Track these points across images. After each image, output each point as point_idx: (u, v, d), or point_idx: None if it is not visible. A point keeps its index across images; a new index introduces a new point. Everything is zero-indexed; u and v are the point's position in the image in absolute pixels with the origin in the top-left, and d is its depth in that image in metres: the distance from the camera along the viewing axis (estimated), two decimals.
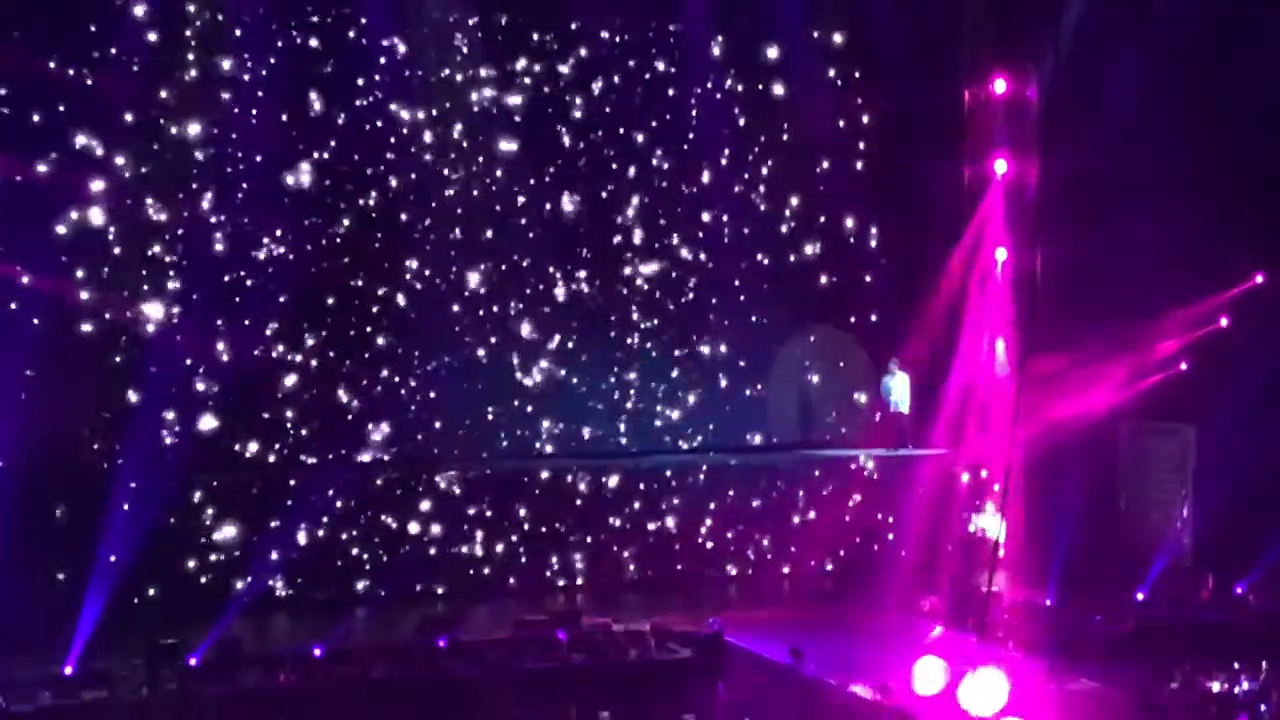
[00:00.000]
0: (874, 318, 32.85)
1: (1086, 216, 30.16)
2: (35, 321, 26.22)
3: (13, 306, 26.06)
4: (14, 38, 25.97)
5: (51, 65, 26.34)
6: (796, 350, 32.35)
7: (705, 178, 31.70)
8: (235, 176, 27.94)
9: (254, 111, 28.05)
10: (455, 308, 29.77)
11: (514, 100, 30.13)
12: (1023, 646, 24.15)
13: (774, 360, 32.16)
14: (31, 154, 26.00)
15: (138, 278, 27.26)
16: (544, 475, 29.60)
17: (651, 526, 29.92)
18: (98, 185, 26.59)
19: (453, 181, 29.79)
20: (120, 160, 26.84)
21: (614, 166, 31.06)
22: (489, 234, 30.06)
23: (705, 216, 31.81)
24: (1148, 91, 29.56)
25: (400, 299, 29.40)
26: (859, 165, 32.74)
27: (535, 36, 30.33)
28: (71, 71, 26.39)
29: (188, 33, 27.49)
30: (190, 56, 27.59)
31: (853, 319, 32.87)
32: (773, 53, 31.95)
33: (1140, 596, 26.91)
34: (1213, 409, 30.13)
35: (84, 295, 26.70)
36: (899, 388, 30.96)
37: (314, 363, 28.68)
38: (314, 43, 28.54)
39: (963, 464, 31.44)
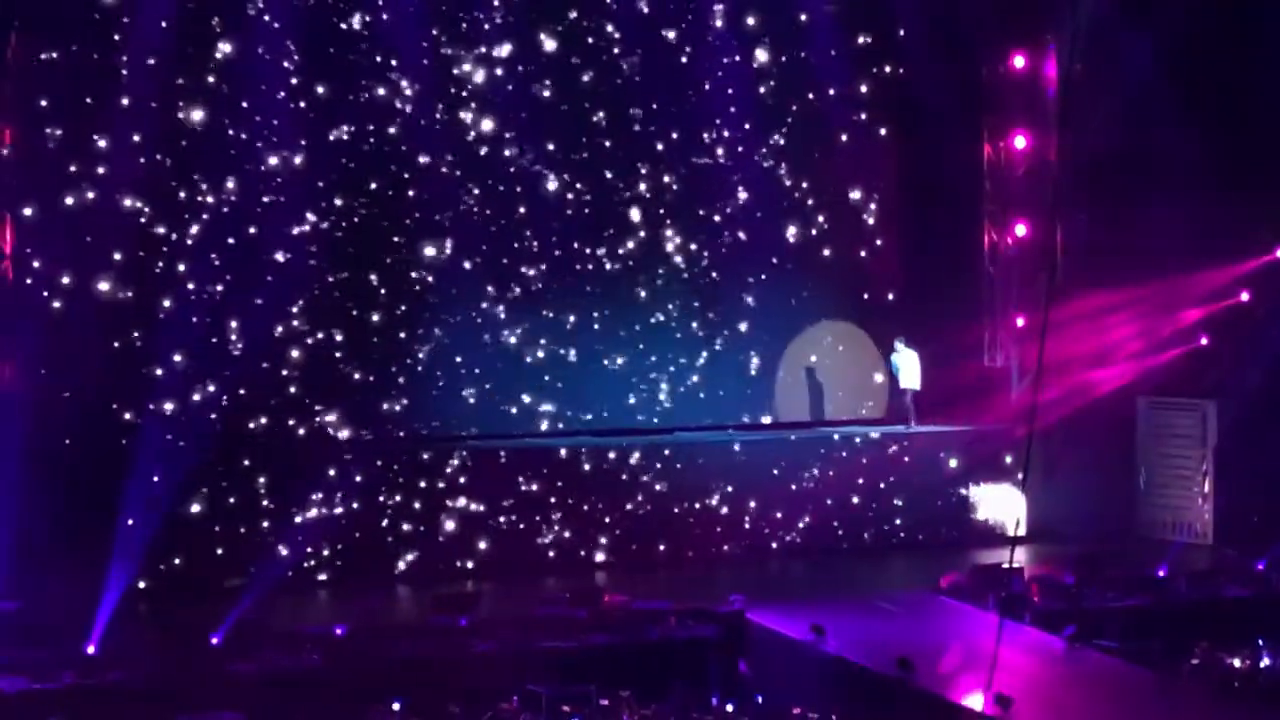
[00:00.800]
0: (890, 296, 32.88)
1: (1105, 192, 30.17)
2: (56, 304, 26.58)
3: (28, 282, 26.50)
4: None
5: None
6: (807, 328, 32.51)
7: (721, 152, 31.78)
8: (249, 158, 28.30)
9: (275, 92, 28.33)
10: (474, 285, 29.95)
11: (531, 76, 30.31)
12: (1042, 623, 24.10)
13: (789, 337, 32.28)
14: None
15: (162, 258, 27.65)
16: (562, 453, 29.59)
17: (672, 504, 29.82)
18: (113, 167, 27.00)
19: (471, 161, 29.93)
20: (137, 139, 27.22)
21: (631, 141, 31.23)
22: (510, 211, 30.32)
23: (721, 191, 31.97)
24: (1166, 66, 29.53)
25: (421, 275, 29.79)
26: (876, 142, 32.72)
27: (552, 11, 30.48)
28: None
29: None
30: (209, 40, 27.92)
31: (865, 295, 33.01)
32: (792, 27, 32.01)
33: (1160, 573, 26.79)
34: (1233, 384, 30.13)
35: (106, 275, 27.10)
36: (907, 365, 31.07)
37: (338, 337, 29.01)
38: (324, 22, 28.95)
39: (977, 440, 31.46)
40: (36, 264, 26.68)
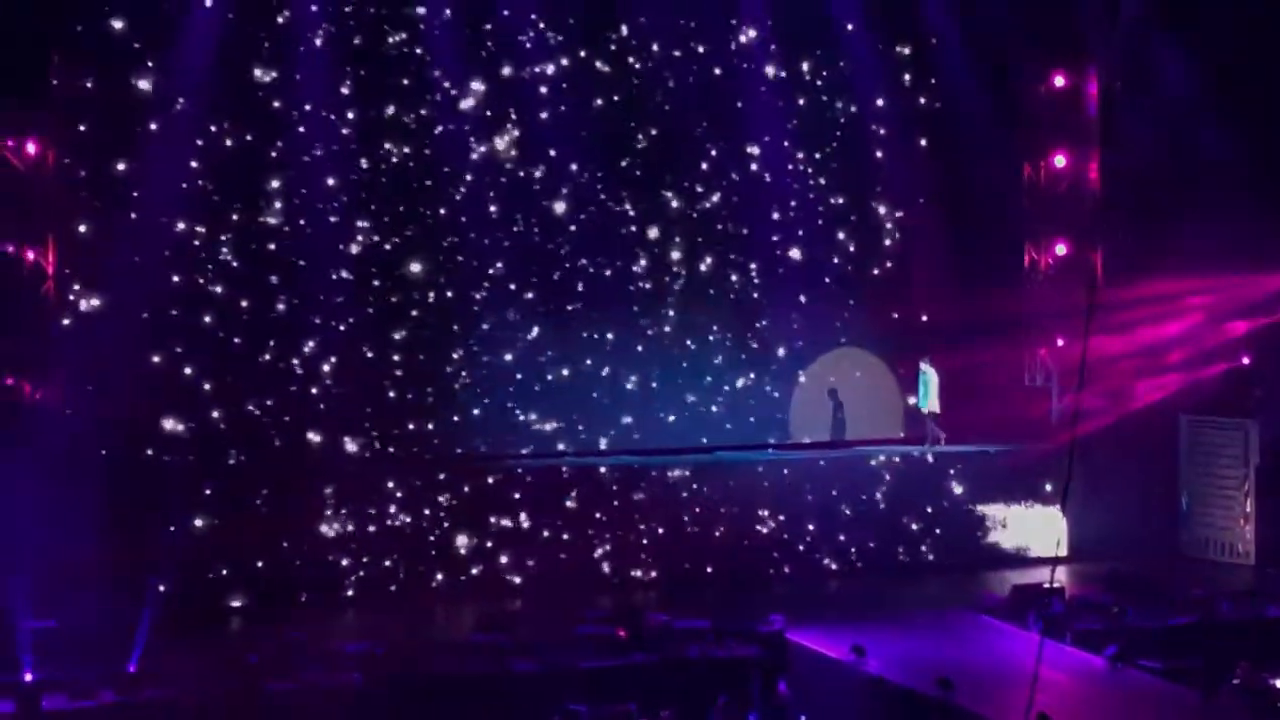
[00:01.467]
0: (924, 318, 32.84)
1: (1147, 209, 30.09)
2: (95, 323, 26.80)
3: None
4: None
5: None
6: (830, 350, 32.61)
7: (758, 169, 31.83)
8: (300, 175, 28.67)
9: (313, 115, 28.61)
10: (512, 304, 30.23)
11: (564, 91, 30.45)
12: (1083, 643, 23.99)
13: (819, 355, 32.30)
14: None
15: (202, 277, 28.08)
16: (602, 471, 29.60)
17: (713, 523, 29.79)
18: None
19: (510, 181, 30.14)
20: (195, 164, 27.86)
21: (670, 159, 31.41)
22: (550, 230, 30.59)
23: (758, 208, 32.04)
24: (1207, 80, 29.47)
25: (457, 294, 30.06)
26: (915, 161, 32.68)
27: (592, 30, 30.73)
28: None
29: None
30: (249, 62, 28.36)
31: (895, 315, 33.08)
32: (830, 47, 32.13)
33: (1201, 592, 26.65)
34: (1276, 403, 29.99)
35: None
36: (928, 386, 31.02)
37: (370, 354, 29.39)
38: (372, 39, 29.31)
39: (1017, 460, 31.36)
40: (77, 285, 26.90)
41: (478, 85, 29.89)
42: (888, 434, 33.07)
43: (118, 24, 27.18)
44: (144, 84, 27.40)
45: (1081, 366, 19.70)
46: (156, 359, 27.65)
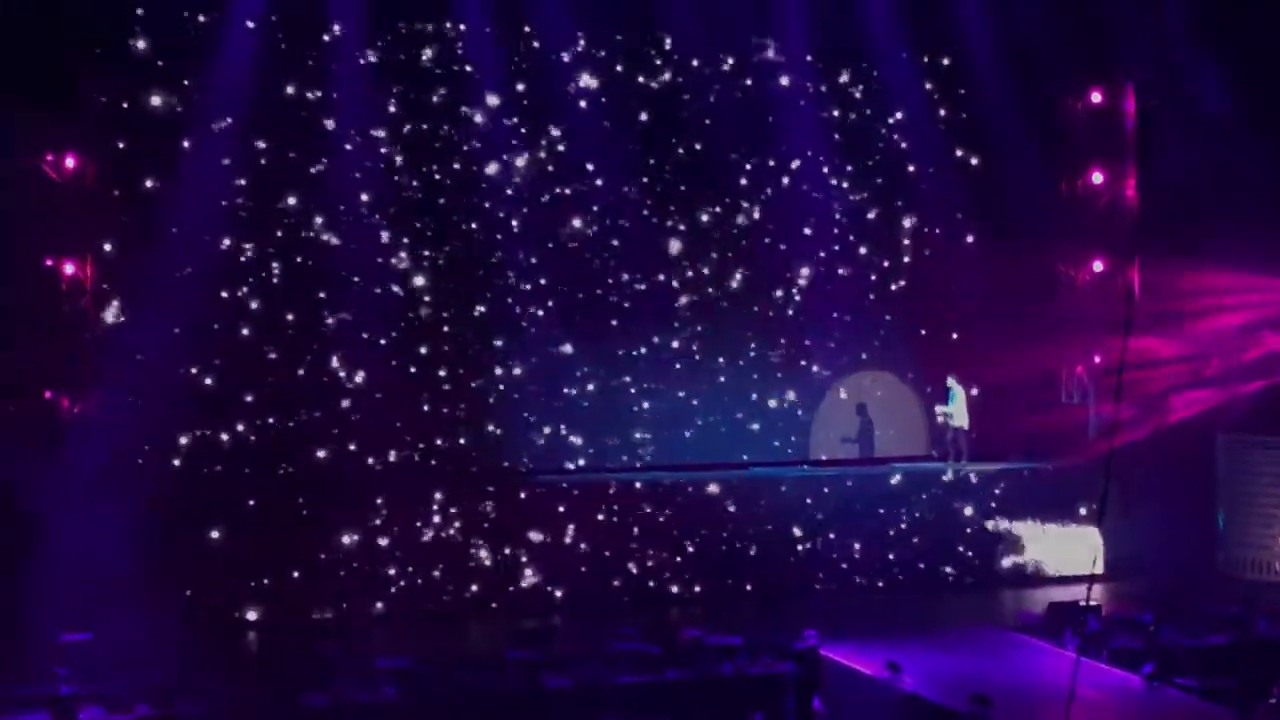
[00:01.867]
0: (954, 336, 32.88)
1: (1183, 225, 29.99)
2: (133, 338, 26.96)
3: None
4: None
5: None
6: (872, 363, 32.67)
7: (794, 184, 31.97)
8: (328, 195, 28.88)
9: (351, 134, 28.96)
10: (551, 321, 30.34)
11: (609, 116, 30.57)
12: (1120, 660, 23.88)
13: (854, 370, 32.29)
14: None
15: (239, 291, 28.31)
16: (637, 486, 29.61)
17: (748, 539, 29.78)
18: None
19: (543, 194, 30.43)
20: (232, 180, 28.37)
21: (704, 174, 31.55)
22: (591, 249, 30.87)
23: (793, 223, 32.13)
24: (1243, 102, 29.37)
25: (491, 308, 30.31)
26: (951, 176, 32.63)
27: (636, 57, 31.01)
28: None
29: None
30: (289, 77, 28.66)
31: (926, 331, 33.18)
32: (867, 62, 32.22)
33: (1238, 611, 26.52)
34: None
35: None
36: (956, 403, 30.98)
37: (413, 370, 29.68)
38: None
39: (1049, 476, 31.29)
40: (116, 301, 27.06)
41: (513, 100, 30.02)
42: (918, 450, 33.05)
43: (146, 43, 27.46)
44: (179, 101, 27.60)
45: (1119, 383, 19.59)
46: (194, 371, 27.79)
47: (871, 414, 32.79)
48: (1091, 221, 32.33)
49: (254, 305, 28.53)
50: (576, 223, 30.63)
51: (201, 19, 27.87)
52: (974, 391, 31.69)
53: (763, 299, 32.05)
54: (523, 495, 28.90)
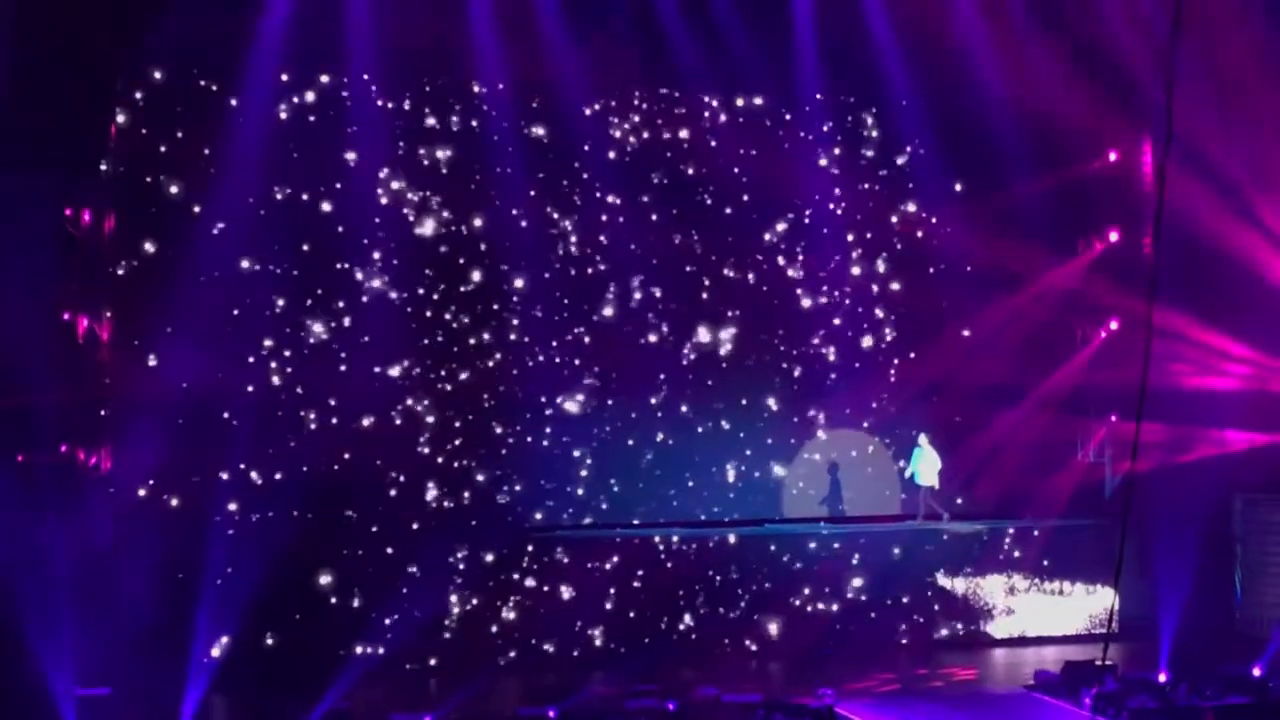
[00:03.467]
0: (969, 384, 32.85)
1: (1201, 285, 29.96)
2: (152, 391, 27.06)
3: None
4: None
5: None
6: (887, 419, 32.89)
7: (815, 260, 32.34)
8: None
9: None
10: (566, 378, 30.65)
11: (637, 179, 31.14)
12: None
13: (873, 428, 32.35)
14: None
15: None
16: (656, 541, 29.60)
17: (764, 596, 29.76)
18: None
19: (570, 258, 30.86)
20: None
21: (721, 241, 31.91)
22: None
23: (817, 295, 32.37)
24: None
25: (520, 366, 30.50)
26: (962, 233, 32.80)
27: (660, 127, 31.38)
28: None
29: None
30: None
31: (941, 386, 33.22)
32: (880, 137, 32.68)
33: (1257, 672, 26.42)
34: None
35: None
36: (924, 461, 30.97)
37: (430, 419, 29.85)
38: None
39: (1065, 534, 31.28)
40: (137, 341, 27.21)
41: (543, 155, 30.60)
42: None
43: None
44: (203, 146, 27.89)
45: (1135, 441, 19.53)
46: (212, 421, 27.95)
47: (840, 476, 32.80)
48: (1109, 278, 32.32)
49: (269, 363, 28.69)
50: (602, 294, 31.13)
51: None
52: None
53: (775, 357, 32.32)
54: (531, 550, 28.85)
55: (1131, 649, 29.09)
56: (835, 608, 29.87)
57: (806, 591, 29.75)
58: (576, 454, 30.92)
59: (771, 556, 29.82)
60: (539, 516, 30.59)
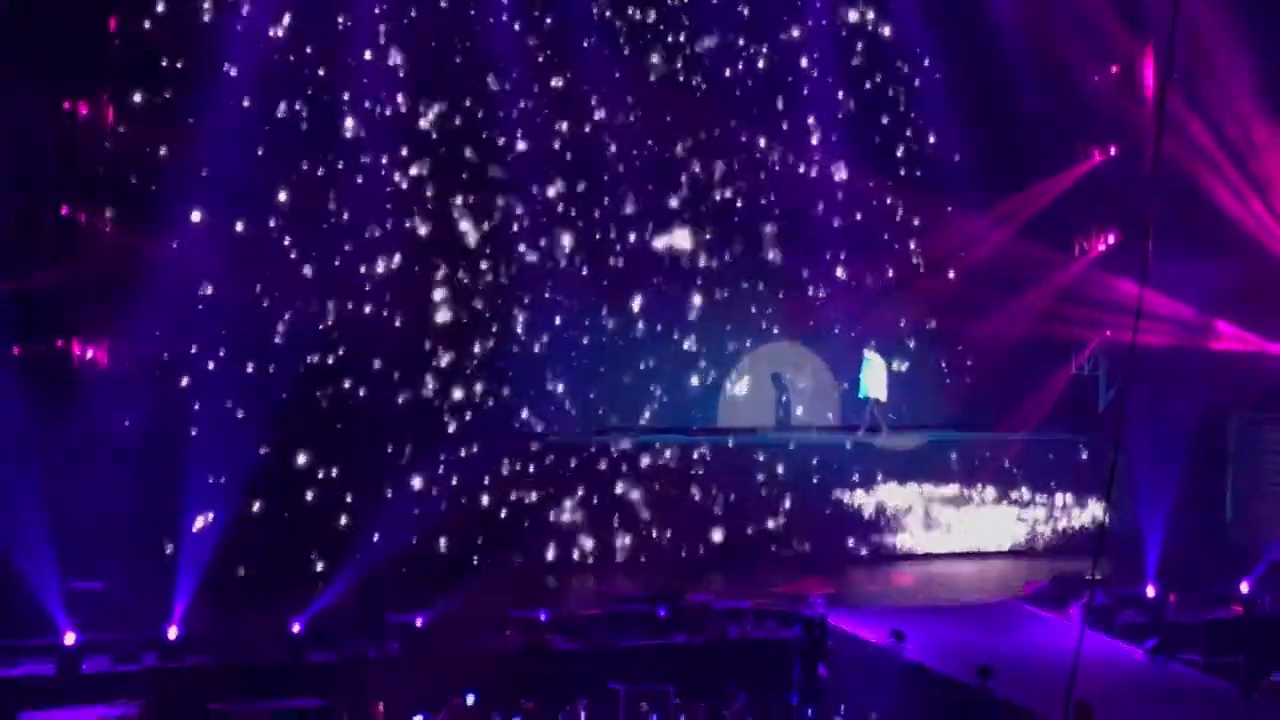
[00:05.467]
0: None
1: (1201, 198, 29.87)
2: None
3: None
4: None
5: None
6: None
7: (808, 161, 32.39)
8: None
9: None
10: (578, 286, 30.83)
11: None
12: (1125, 634, 23.91)
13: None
14: None
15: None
16: (653, 449, 29.70)
17: (755, 504, 29.86)
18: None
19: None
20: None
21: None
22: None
23: (800, 197, 32.58)
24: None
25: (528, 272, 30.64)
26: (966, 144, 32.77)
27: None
28: None
29: None
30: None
31: (933, 324, 33.46)
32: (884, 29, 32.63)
33: (1245, 588, 26.48)
34: None
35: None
36: (870, 372, 30.90)
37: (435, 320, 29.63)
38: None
39: (1063, 448, 31.33)
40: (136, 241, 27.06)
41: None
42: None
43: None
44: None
45: (1130, 356, 19.55)
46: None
47: (785, 383, 32.67)
48: (1107, 194, 32.23)
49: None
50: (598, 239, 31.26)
51: None
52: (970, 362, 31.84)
53: (776, 270, 32.43)
54: (533, 457, 28.92)
55: (1122, 562, 29.20)
56: (816, 518, 30.00)
57: (798, 501, 29.85)
58: (558, 361, 30.91)
59: (762, 465, 29.91)
60: (525, 417, 30.49)
